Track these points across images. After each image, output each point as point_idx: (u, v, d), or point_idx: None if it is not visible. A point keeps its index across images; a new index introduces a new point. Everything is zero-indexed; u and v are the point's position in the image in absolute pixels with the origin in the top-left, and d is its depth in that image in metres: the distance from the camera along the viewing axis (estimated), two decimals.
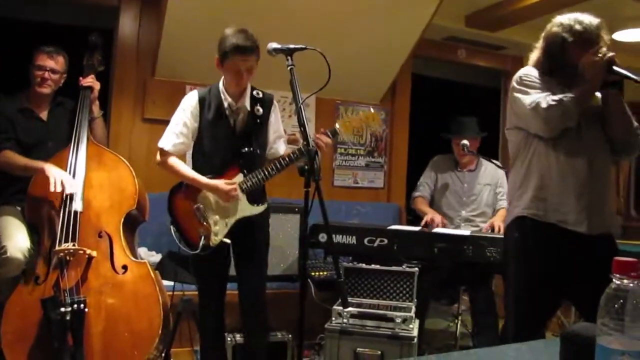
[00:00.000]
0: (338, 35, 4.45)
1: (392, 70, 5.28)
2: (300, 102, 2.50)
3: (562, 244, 2.60)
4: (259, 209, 3.17)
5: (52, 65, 3.44)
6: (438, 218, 4.19)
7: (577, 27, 2.59)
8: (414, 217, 4.89)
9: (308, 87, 2.59)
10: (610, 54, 2.48)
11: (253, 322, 3.25)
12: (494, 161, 4.49)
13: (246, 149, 3.11)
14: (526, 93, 2.64)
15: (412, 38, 4.96)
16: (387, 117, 5.61)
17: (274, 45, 2.72)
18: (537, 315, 2.72)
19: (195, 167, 3.18)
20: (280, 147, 3.28)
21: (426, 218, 4.19)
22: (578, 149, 2.59)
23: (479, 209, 4.43)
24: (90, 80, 3.44)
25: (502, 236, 3.47)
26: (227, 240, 3.08)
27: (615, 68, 2.47)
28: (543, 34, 2.74)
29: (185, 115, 3.13)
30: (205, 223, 3.07)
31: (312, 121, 4.95)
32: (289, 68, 2.58)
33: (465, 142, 4.33)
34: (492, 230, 4.04)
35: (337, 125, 3.23)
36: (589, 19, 2.61)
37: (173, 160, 3.12)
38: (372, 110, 3.29)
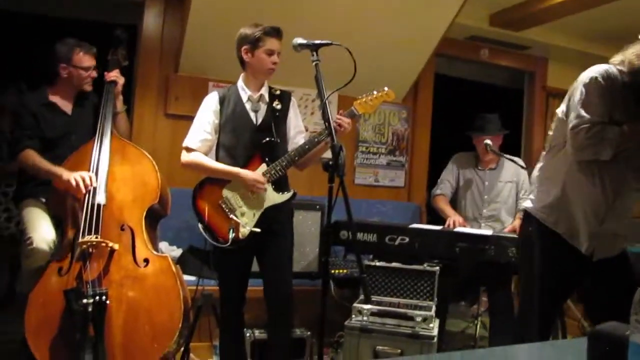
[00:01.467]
0: (360, 33, 4.45)
1: (415, 69, 5.26)
2: (325, 97, 2.50)
3: (566, 253, 2.60)
4: (285, 196, 3.20)
5: (92, 63, 3.50)
6: (459, 220, 4.17)
7: None
8: (433, 216, 4.86)
9: (329, 84, 2.59)
10: None
11: (278, 316, 3.24)
12: (517, 159, 4.44)
13: (267, 139, 3.15)
14: (583, 105, 2.45)
15: (435, 37, 4.95)
16: (409, 115, 5.59)
17: (300, 40, 2.74)
18: (545, 307, 2.69)
19: (219, 162, 3.21)
20: (301, 141, 3.30)
21: (448, 222, 4.18)
22: (608, 173, 2.53)
23: (500, 207, 4.39)
24: (114, 75, 3.47)
25: None
26: (257, 230, 3.10)
27: None
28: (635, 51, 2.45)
29: (207, 113, 3.21)
30: (232, 216, 3.10)
31: (334, 119, 4.90)
32: (314, 63, 2.60)
33: (488, 141, 4.30)
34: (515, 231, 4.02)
35: (354, 107, 3.22)
36: None
37: (199, 157, 3.19)
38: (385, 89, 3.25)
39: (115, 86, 3.45)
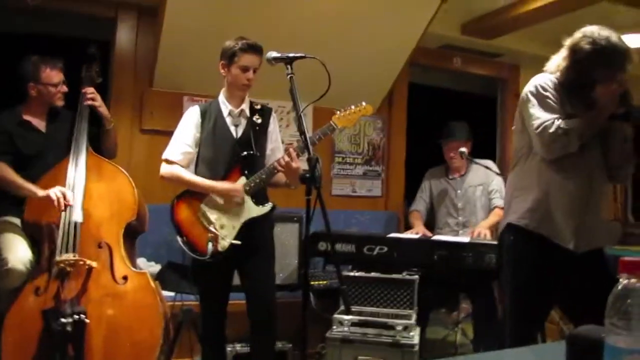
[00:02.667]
0: (334, 44, 4.46)
1: (389, 79, 5.30)
2: (301, 110, 2.51)
3: (550, 255, 2.65)
4: (264, 209, 3.22)
5: (61, 78, 3.45)
6: (422, 232, 4.26)
7: (608, 49, 2.51)
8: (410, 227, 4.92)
9: (304, 96, 2.60)
10: (625, 86, 2.50)
11: (262, 329, 3.25)
12: (489, 164, 4.51)
13: (246, 152, 3.18)
14: (537, 109, 2.63)
15: (409, 46, 4.98)
16: (384, 125, 5.62)
17: (274, 54, 2.76)
18: (529, 318, 2.76)
19: (198, 175, 3.22)
20: (278, 156, 3.29)
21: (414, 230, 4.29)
22: (577, 169, 2.62)
23: (473, 212, 4.45)
24: (91, 95, 3.43)
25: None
26: (238, 242, 3.11)
27: (628, 103, 2.51)
28: (569, 43, 2.64)
29: (188, 126, 3.24)
30: (211, 228, 3.11)
31: (310, 130, 4.93)
32: (288, 77, 2.61)
33: (463, 149, 4.37)
34: (479, 236, 4.08)
35: (332, 121, 3.22)
36: (621, 43, 2.54)
37: (178, 170, 3.20)
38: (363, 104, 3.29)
39: (88, 107, 3.41)
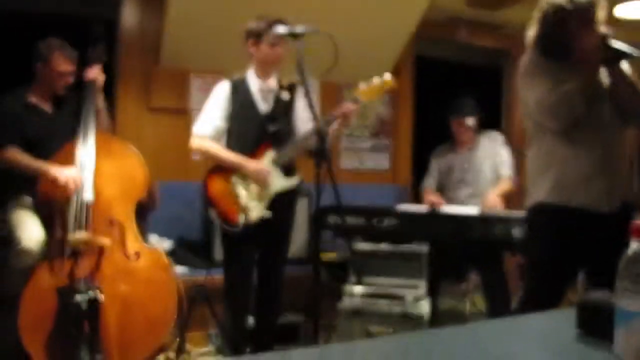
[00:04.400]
0: (339, 18, 4.44)
1: (395, 51, 5.28)
2: (309, 84, 2.52)
3: (584, 226, 2.62)
4: (293, 181, 3.32)
5: (70, 69, 3.44)
6: (437, 199, 4.24)
7: (571, 5, 2.54)
8: (418, 199, 4.91)
9: (310, 71, 2.61)
10: (604, 31, 2.47)
11: (267, 302, 3.37)
12: (494, 134, 4.53)
13: (274, 127, 3.27)
14: (530, 87, 2.65)
15: (414, 19, 4.96)
16: (391, 98, 5.61)
17: (281, 29, 2.76)
18: (557, 295, 2.74)
19: (228, 149, 3.31)
20: (307, 127, 3.35)
21: (426, 203, 4.26)
22: (590, 132, 2.59)
23: (483, 184, 4.44)
24: (95, 73, 3.43)
25: (509, 213, 3.53)
26: (268, 213, 3.21)
27: (611, 45, 2.46)
28: (538, 8, 2.69)
29: (218, 101, 3.31)
30: (243, 201, 3.20)
31: (317, 105, 4.94)
32: (296, 52, 2.61)
33: (470, 123, 4.36)
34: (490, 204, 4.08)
35: (357, 95, 3.26)
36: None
37: (209, 143, 3.28)
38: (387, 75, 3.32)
39: (94, 84, 3.41)
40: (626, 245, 1.04)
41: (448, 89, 5.56)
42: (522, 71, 2.71)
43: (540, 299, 2.74)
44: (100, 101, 3.46)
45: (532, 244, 2.88)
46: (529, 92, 2.65)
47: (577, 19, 2.54)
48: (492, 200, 4.10)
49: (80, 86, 3.44)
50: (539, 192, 2.76)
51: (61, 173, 3.02)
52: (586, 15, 2.54)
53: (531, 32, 2.73)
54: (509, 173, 4.40)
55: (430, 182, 4.62)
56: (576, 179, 2.63)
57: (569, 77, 2.55)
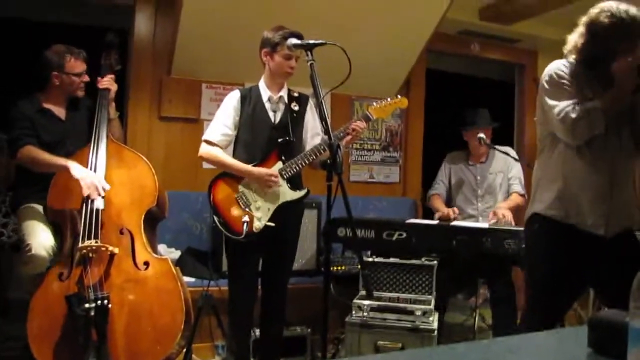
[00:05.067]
0: (352, 30, 4.46)
1: (407, 65, 5.28)
2: (322, 97, 2.53)
3: (580, 243, 2.62)
4: (299, 193, 3.33)
5: (84, 68, 3.49)
6: (451, 213, 4.23)
7: (627, 20, 2.46)
8: (429, 211, 4.89)
9: (321, 83, 2.61)
10: None
11: (273, 312, 3.41)
12: (509, 150, 4.51)
13: (283, 138, 3.29)
14: (555, 97, 2.59)
15: (426, 32, 4.97)
16: (402, 111, 5.60)
17: (294, 41, 2.79)
18: (554, 307, 2.76)
19: (235, 158, 3.34)
20: (317, 141, 3.42)
21: (439, 214, 4.24)
22: (602, 154, 2.58)
23: (494, 199, 4.43)
24: (107, 81, 3.45)
25: (519, 227, 3.52)
26: (272, 224, 3.22)
27: None
28: (586, 19, 2.59)
29: (228, 110, 3.34)
30: (247, 209, 3.22)
31: (328, 116, 4.93)
32: (309, 63, 2.63)
33: (481, 135, 4.35)
34: (498, 220, 4.07)
35: (369, 112, 3.39)
36: (638, 13, 2.48)
37: (217, 151, 3.31)
38: (398, 97, 3.42)
39: (108, 93, 3.44)
40: (629, 267, 1.03)
41: (460, 102, 5.55)
42: (551, 76, 2.64)
43: (539, 311, 2.74)
44: (112, 110, 3.48)
45: (528, 254, 2.88)
46: (552, 100, 2.60)
47: (627, 35, 2.47)
48: (503, 213, 4.09)
49: (94, 93, 3.46)
50: (539, 203, 2.76)
51: (86, 174, 3.03)
52: (636, 34, 2.48)
53: (574, 37, 2.65)
54: (520, 189, 4.40)
55: (440, 189, 4.59)
56: (578, 197, 2.62)
57: (597, 94, 2.52)
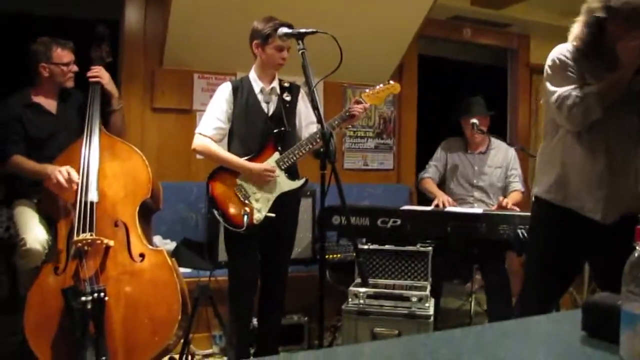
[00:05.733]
0: (343, 18, 4.45)
1: (399, 51, 5.27)
2: (313, 85, 2.52)
3: (578, 228, 2.63)
4: (297, 183, 3.34)
5: (72, 58, 3.47)
6: (448, 200, 4.23)
7: (623, 3, 2.41)
8: (423, 198, 4.89)
9: (314, 71, 2.60)
10: None
11: (272, 302, 3.42)
12: (506, 145, 4.53)
13: (278, 129, 3.29)
14: (556, 82, 2.58)
15: (418, 18, 4.96)
16: (395, 98, 5.60)
17: (285, 29, 2.78)
18: (549, 290, 2.78)
19: (231, 151, 3.34)
20: (313, 130, 3.40)
21: (436, 201, 4.23)
22: (601, 140, 2.56)
23: (489, 191, 4.43)
24: (96, 71, 3.44)
25: (514, 213, 3.54)
26: (272, 215, 3.24)
27: None
28: (584, 7, 2.56)
29: (221, 102, 3.33)
30: (247, 202, 3.23)
31: (320, 105, 4.92)
32: (300, 52, 2.62)
33: (474, 120, 4.34)
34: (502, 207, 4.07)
35: (362, 98, 3.38)
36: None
37: (211, 145, 3.30)
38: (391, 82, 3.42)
39: (98, 84, 3.42)
40: (628, 251, 1.03)
41: (452, 88, 5.55)
42: (554, 61, 2.63)
43: (534, 293, 2.77)
44: (115, 101, 3.50)
45: (529, 234, 2.91)
46: (552, 86, 2.59)
47: (623, 19, 2.42)
48: (507, 201, 4.10)
49: (85, 86, 3.44)
50: (540, 186, 2.79)
51: (54, 172, 3.03)
52: (633, 16, 2.42)
53: (577, 26, 2.61)
54: (521, 187, 4.41)
55: (433, 174, 4.57)
56: (575, 182, 2.63)
57: (598, 80, 2.50)
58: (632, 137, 2.62)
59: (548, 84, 2.62)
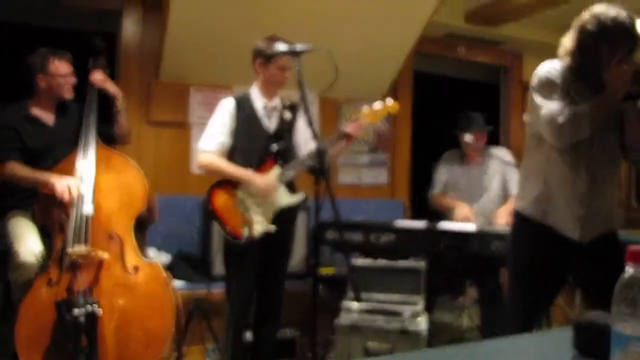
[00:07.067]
0: (339, 34, 4.47)
1: (394, 68, 5.30)
2: (309, 102, 2.55)
3: (558, 244, 2.64)
4: (297, 198, 3.35)
5: (69, 69, 3.46)
6: (467, 214, 4.19)
7: (614, 29, 2.42)
8: (417, 213, 4.88)
9: (309, 86, 2.63)
10: (637, 65, 2.41)
11: (267, 315, 3.41)
12: (502, 153, 4.53)
13: (279, 144, 3.31)
14: (544, 97, 2.57)
15: (413, 35, 4.99)
16: (390, 114, 5.61)
17: (281, 47, 2.77)
18: (529, 306, 2.76)
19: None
20: (311, 145, 3.38)
21: (458, 216, 4.18)
22: (584, 158, 2.58)
23: (489, 201, 4.43)
24: (100, 77, 3.46)
25: (506, 229, 3.55)
26: (272, 227, 3.24)
27: None
28: (576, 24, 2.54)
29: (223, 117, 3.32)
30: (247, 215, 3.22)
31: (316, 120, 4.96)
32: (296, 69, 2.63)
33: (468, 139, 4.36)
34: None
35: (360, 117, 3.36)
36: (629, 22, 2.44)
37: (215, 159, 3.29)
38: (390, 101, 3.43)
39: (103, 90, 3.43)
40: (616, 270, 1.05)
41: (446, 104, 5.57)
42: (542, 77, 2.61)
43: (515, 309, 2.77)
44: (119, 103, 3.52)
45: (510, 248, 2.90)
46: (542, 100, 2.57)
47: (613, 43, 2.44)
48: (504, 217, 4.09)
49: (82, 97, 3.45)
50: (520, 201, 2.79)
51: (59, 181, 3.03)
52: (623, 42, 2.45)
53: (567, 41, 2.60)
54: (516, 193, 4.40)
55: (439, 187, 4.55)
56: (556, 199, 2.64)
57: (585, 99, 2.50)
58: (612, 157, 2.65)
59: (536, 99, 2.60)
